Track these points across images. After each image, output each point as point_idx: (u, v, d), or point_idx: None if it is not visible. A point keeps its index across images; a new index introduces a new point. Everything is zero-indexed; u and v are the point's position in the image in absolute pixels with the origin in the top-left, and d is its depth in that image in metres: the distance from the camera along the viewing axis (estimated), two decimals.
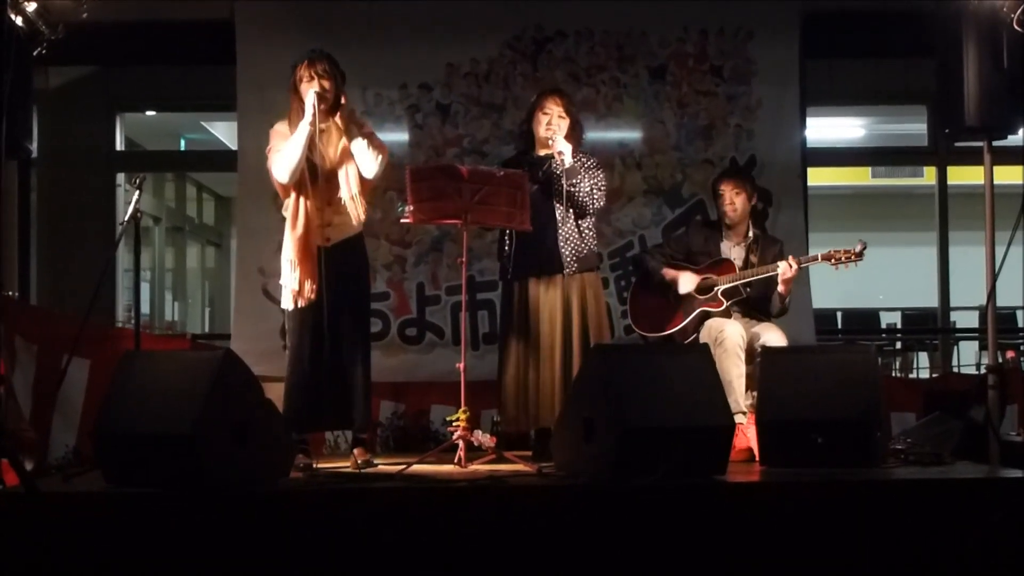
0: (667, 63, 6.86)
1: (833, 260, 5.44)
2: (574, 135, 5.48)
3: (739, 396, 5.24)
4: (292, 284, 5.00)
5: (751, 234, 5.69)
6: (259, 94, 6.61)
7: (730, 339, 5.31)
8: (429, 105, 6.84)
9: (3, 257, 5.96)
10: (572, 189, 5.34)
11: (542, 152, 5.50)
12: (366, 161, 5.02)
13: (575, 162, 5.37)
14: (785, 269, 5.41)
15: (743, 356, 5.33)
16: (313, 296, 5.00)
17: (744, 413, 5.20)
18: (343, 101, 5.11)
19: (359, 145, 5.01)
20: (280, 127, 5.09)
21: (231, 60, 6.74)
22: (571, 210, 5.38)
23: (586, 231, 5.45)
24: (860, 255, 5.38)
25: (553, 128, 5.40)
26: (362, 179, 5.05)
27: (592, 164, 5.51)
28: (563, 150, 5.33)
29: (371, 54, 6.64)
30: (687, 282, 5.61)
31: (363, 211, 5.05)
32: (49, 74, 7.72)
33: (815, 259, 5.52)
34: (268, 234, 6.56)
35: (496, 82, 6.84)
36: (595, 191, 5.43)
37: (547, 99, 5.48)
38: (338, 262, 5.07)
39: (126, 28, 7.05)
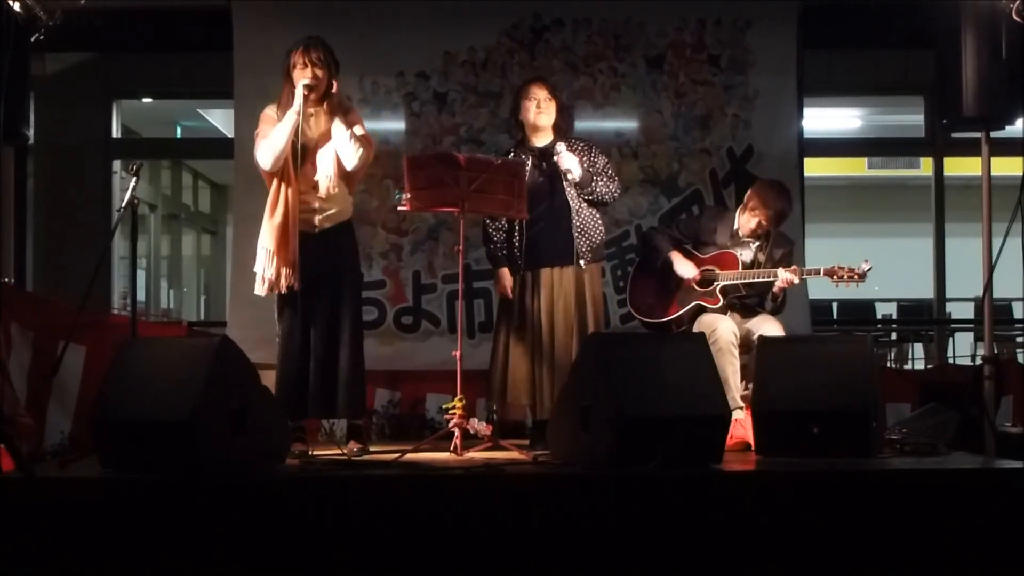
0: (665, 53, 6.84)
1: (835, 277, 5.35)
2: (563, 118, 5.52)
3: (735, 392, 5.22)
4: (268, 273, 5.00)
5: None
6: (256, 81, 6.56)
7: (723, 337, 5.27)
8: (426, 93, 6.81)
9: None
10: (590, 198, 5.40)
11: (538, 142, 5.49)
12: (346, 154, 5.02)
13: (583, 169, 5.35)
14: (787, 278, 5.34)
15: (736, 352, 5.31)
16: (295, 284, 4.99)
17: (741, 408, 5.18)
18: (334, 90, 5.11)
19: (340, 137, 5.01)
20: (270, 111, 5.11)
21: (228, 47, 6.71)
22: (583, 201, 5.40)
23: (598, 221, 5.47)
24: (863, 276, 5.31)
25: (542, 110, 5.40)
26: (342, 166, 5.05)
27: (595, 155, 5.48)
28: (570, 167, 5.33)
29: (368, 42, 6.62)
30: (687, 270, 5.58)
31: (334, 187, 5.03)
32: (46, 60, 7.71)
33: (817, 272, 5.44)
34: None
35: (493, 70, 6.81)
36: (609, 184, 5.45)
37: (530, 86, 5.49)
38: (327, 249, 5.07)
39: (123, 15, 7.04)
